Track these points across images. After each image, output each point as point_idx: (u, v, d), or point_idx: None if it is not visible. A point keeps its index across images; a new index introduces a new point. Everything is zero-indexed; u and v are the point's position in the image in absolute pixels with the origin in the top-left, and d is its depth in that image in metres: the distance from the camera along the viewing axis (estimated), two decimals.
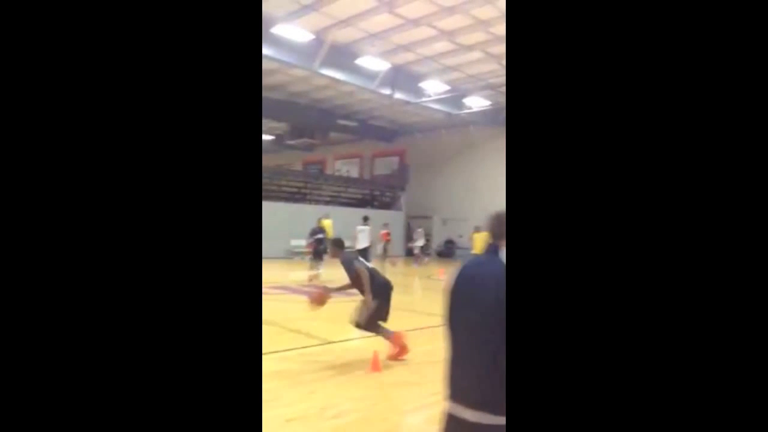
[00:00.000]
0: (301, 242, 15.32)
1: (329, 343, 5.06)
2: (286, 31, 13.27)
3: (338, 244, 4.75)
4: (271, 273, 11.65)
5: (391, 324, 4.37)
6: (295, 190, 19.90)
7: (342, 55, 15.19)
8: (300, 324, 5.75)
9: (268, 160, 25.88)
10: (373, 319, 4.30)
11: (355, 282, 4.37)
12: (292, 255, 16.59)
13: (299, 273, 11.18)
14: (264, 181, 19.23)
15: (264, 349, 4.48)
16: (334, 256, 4.74)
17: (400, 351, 4.34)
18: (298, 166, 26.88)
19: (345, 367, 4.13)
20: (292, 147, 24.91)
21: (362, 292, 4.33)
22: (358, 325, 4.37)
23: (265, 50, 14.09)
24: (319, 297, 4.40)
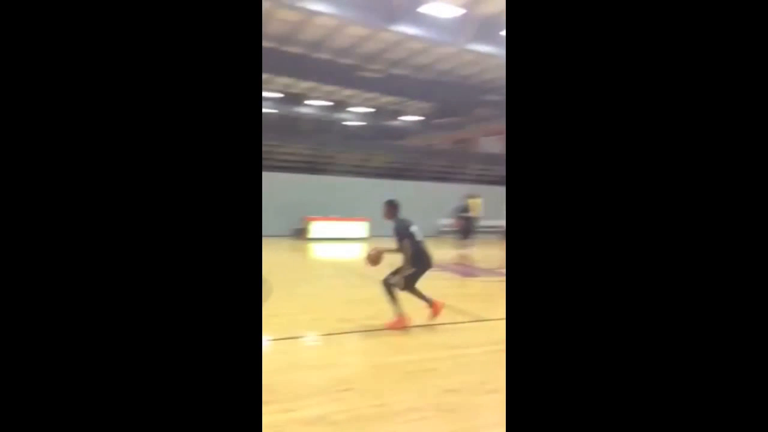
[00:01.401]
0: (450, 221, 15.47)
1: (480, 320, 5.09)
2: (434, 8, 13.25)
3: (393, 205, 4.71)
4: None
5: None
6: (441, 169, 20.03)
7: (489, 28, 14.73)
8: (452, 300, 5.87)
9: (414, 141, 26.40)
10: (403, 282, 4.51)
11: (400, 251, 4.55)
12: (441, 233, 16.85)
13: (448, 251, 11.34)
14: (410, 161, 19.69)
15: (420, 322, 4.70)
16: (387, 217, 4.71)
17: (398, 322, 4.47)
18: (445, 145, 26.95)
19: (497, 344, 4.14)
20: (439, 126, 25.04)
21: (405, 264, 4.53)
22: (391, 284, 4.53)
23: (413, 30, 14.25)
24: (375, 257, 4.66)
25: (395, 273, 4.58)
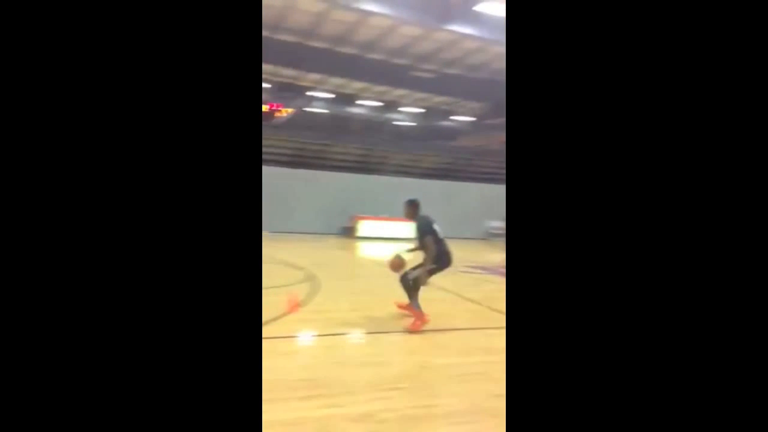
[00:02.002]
0: (500, 224, 15.15)
1: None
2: (490, 7, 13.02)
3: (414, 205, 4.68)
4: (470, 253, 11.80)
5: None
6: (492, 170, 19.65)
7: None
8: (500, 304, 5.72)
9: (467, 141, 26.10)
10: (417, 283, 4.44)
11: (422, 249, 4.52)
12: (490, 236, 16.54)
13: (497, 254, 11.10)
14: (462, 162, 19.44)
15: (470, 325, 4.60)
16: (409, 217, 4.68)
17: (418, 323, 4.39)
18: (497, 146, 26.46)
19: None
20: (491, 127, 24.59)
21: (426, 259, 4.48)
22: (410, 279, 4.52)
23: (468, 29, 14.05)
24: (398, 263, 4.70)
25: (415, 269, 4.57)
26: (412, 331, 4.32)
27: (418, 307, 4.46)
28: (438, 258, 4.49)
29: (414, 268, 4.57)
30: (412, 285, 4.53)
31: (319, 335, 4.19)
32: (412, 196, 4.84)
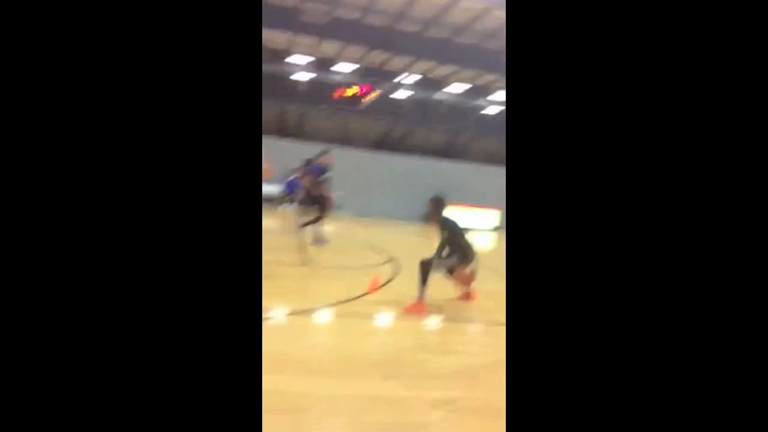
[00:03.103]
0: None
1: None
2: None
3: (439, 204, 4.44)
4: None
5: None
6: None
7: None
8: None
9: None
10: (430, 271, 4.32)
11: (458, 251, 4.42)
12: None
13: None
14: None
15: None
16: (431, 218, 4.45)
17: (418, 309, 4.24)
18: None
19: None
20: None
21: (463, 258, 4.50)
22: (428, 262, 4.32)
23: None
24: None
25: (447, 258, 4.49)
26: (409, 311, 4.26)
27: (424, 294, 4.36)
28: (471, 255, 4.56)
29: (446, 258, 4.51)
30: (429, 273, 4.40)
31: (398, 318, 4.23)
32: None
